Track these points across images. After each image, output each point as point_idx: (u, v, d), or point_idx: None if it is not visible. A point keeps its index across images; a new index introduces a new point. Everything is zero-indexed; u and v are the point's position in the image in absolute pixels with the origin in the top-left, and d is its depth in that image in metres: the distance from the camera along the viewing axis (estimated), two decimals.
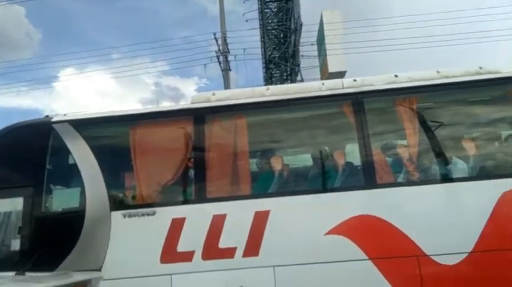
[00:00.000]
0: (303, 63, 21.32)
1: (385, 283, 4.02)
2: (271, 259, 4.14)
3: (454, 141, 4.58)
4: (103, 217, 4.29)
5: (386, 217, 4.15)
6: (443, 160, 4.49)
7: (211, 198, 4.38)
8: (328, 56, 17.38)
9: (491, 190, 4.15)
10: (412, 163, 4.44)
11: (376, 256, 4.08)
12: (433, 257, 4.03)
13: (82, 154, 4.51)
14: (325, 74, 17.55)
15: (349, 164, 4.54)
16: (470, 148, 4.44)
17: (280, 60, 22.25)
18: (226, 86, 18.50)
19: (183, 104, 5.90)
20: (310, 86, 5.12)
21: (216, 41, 18.23)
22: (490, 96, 4.81)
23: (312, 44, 20.53)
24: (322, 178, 4.65)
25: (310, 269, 4.10)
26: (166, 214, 4.30)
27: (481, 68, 4.77)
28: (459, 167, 4.38)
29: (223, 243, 4.19)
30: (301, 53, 21.10)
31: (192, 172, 4.60)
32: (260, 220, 4.21)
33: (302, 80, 21.20)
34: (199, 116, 4.67)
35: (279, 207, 4.28)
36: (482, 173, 4.39)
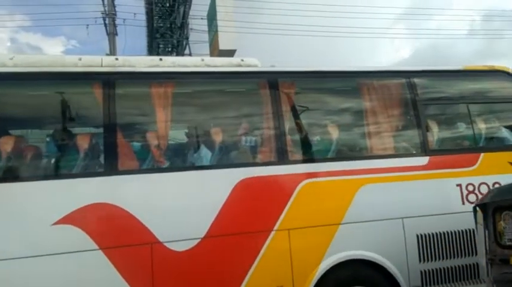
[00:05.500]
0: (193, 37, 20.56)
1: (114, 272, 3.89)
2: None
3: (203, 130, 4.69)
4: None
5: (124, 204, 4.02)
6: (190, 148, 4.56)
7: None
8: (219, 33, 16.74)
9: (229, 178, 4.33)
10: (159, 150, 4.39)
11: (107, 245, 3.92)
12: (166, 244, 4.06)
13: None
14: (216, 51, 16.94)
15: (90, 150, 4.22)
16: (217, 136, 4.58)
17: (167, 31, 21.04)
18: (112, 51, 16.71)
19: None
20: (64, 60, 4.61)
21: (103, 1, 16.69)
22: (245, 88, 5.06)
23: (202, 18, 19.71)
24: (54, 163, 4.25)
25: (33, 262, 3.72)
26: None
27: (242, 60, 4.96)
28: (203, 155, 4.49)
29: None
30: (190, 26, 20.25)
31: None
32: None
33: (190, 54, 20.57)
34: None
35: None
36: (224, 161, 4.58)
